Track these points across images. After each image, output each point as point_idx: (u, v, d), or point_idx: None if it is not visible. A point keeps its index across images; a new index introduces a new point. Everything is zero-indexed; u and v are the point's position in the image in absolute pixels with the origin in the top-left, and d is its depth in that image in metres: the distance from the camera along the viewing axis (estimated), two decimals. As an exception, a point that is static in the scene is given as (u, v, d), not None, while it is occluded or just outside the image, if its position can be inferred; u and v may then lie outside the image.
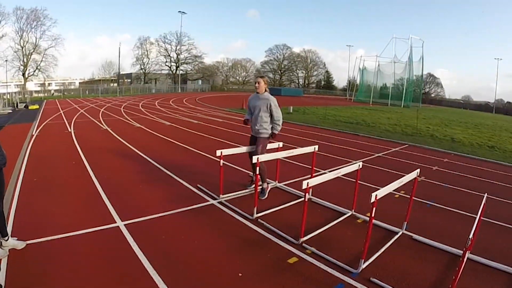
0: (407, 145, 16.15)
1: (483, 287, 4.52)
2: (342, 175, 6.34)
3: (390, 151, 14.32)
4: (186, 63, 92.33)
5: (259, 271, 4.45)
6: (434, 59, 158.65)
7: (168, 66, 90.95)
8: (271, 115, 7.14)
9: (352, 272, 4.55)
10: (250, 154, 6.92)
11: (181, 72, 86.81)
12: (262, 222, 5.92)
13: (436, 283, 4.46)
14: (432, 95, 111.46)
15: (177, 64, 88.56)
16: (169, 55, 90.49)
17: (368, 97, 66.10)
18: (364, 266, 4.67)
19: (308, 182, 4.87)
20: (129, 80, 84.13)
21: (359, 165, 6.32)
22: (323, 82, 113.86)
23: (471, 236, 3.56)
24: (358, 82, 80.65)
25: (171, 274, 4.20)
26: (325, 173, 6.47)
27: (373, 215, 4.41)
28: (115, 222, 5.54)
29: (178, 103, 34.39)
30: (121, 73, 79.44)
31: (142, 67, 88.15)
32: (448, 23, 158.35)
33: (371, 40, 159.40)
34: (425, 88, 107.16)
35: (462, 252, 5.03)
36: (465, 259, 3.83)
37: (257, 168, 6.07)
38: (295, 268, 4.59)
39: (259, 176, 6.36)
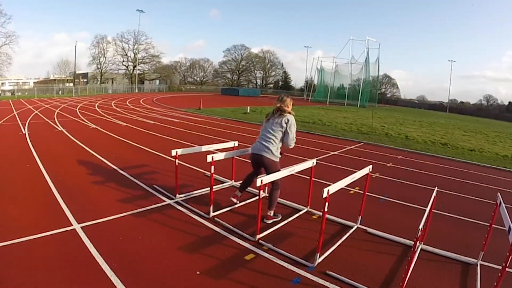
0: (362, 143, 16.50)
1: (437, 275, 4.72)
2: (298, 173, 6.44)
3: (345, 149, 14.61)
4: (144, 63, 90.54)
5: (217, 269, 4.46)
6: (390, 61, 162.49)
7: (125, 65, 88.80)
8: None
9: (308, 266, 4.63)
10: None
11: (138, 72, 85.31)
12: (219, 220, 5.93)
13: (390, 273, 4.61)
14: (388, 95, 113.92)
15: (134, 64, 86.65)
16: (126, 55, 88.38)
17: (325, 97, 66.94)
18: (320, 260, 4.75)
19: (262, 180, 4.91)
20: (85, 80, 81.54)
21: (313, 163, 6.42)
22: (281, 83, 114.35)
23: (421, 227, 3.67)
24: (315, 82, 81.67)
25: (129, 274, 4.16)
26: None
27: (326, 210, 4.47)
28: (72, 225, 5.42)
29: (135, 104, 33.96)
30: (77, 72, 77.24)
31: (99, 66, 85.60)
32: (404, 25, 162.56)
33: (330, 41, 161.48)
34: (381, 88, 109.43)
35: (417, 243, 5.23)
36: (417, 249, 3.95)
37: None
38: (252, 265, 4.62)
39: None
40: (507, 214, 4.06)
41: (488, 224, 5.08)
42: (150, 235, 5.28)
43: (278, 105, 6.10)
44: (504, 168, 13.50)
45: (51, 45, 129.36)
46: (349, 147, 15.07)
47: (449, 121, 42.93)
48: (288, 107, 6.11)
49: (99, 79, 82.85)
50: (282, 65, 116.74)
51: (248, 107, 30.19)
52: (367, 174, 5.94)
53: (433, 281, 4.58)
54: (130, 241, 5.04)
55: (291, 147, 6.00)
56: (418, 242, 3.77)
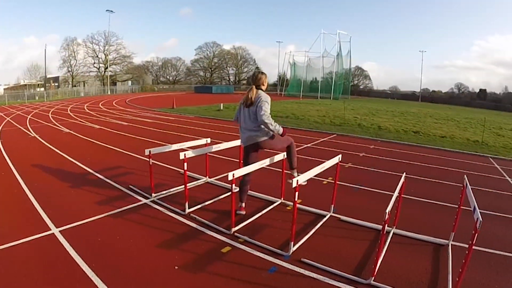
0: (335, 135, 16.76)
1: (410, 257, 4.93)
2: (270, 166, 6.53)
3: (318, 141, 14.85)
4: (115, 64, 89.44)
5: (194, 263, 4.55)
6: (362, 53, 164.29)
7: (96, 67, 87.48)
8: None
9: (284, 255, 4.77)
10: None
11: (110, 73, 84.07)
12: (195, 216, 6.02)
13: (364, 257, 4.79)
14: (361, 87, 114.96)
15: (106, 65, 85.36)
16: (97, 56, 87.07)
17: (298, 91, 67.24)
18: (294, 248, 4.91)
19: (234, 174, 5.03)
20: (56, 84, 79.69)
21: (283, 155, 6.54)
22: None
23: (388, 210, 3.82)
24: (288, 77, 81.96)
25: (109, 273, 4.22)
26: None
27: (296, 199, 4.60)
28: (50, 230, 5.43)
29: (108, 106, 33.65)
30: (48, 76, 75.58)
31: (70, 69, 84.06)
32: (374, 18, 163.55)
33: (302, 35, 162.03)
34: (354, 80, 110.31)
35: (389, 228, 5.43)
36: (388, 233, 4.08)
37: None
38: (229, 257, 4.74)
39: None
40: (472, 195, 4.29)
41: (457, 206, 5.28)
42: (128, 234, 5.34)
43: (253, 87, 6.08)
44: (475, 153, 13.92)
45: (21, 50, 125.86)
46: (322, 139, 15.31)
47: (421, 109, 43.62)
48: (263, 85, 6.19)
49: (70, 83, 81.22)
50: (255, 61, 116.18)
51: (221, 104, 30.24)
52: (337, 163, 6.09)
53: (406, 262, 4.78)
54: (108, 242, 5.09)
55: (267, 123, 5.83)
56: (386, 225, 3.91)
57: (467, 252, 3.71)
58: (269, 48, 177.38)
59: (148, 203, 6.65)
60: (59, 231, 5.37)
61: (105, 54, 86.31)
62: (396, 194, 4.57)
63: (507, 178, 10.24)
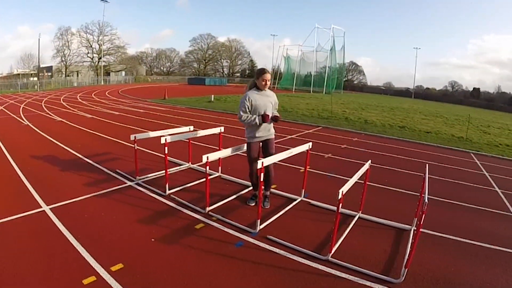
0: (320, 127, 17.25)
1: (371, 239, 5.43)
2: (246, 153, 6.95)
3: (303, 133, 15.35)
4: (109, 54, 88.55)
5: (170, 236, 5.03)
6: (357, 48, 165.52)
7: (90, 57, 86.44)
8: None
9: (251, 232, 5.26)
10: (256, 159, 6.14)
11: (103, 63, 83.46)
12: (174, 197, 6.49)
13: (327, 237, 5.24)
14: (355, 82, 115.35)
15: (100, 56, 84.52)
16: (91, 46, 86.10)
17: (292, 84, 67.46)
18: (261, 227, 5.40)
19: (208, 156, 5.52)
20: (49, 74, 78.48)
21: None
22: (247, 71, 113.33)
23: (342, 190, 4.30)
24: (282, 70, 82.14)
25: (93, 244, 4.66)
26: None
27: (261, 180, 5.10)
28: (41, 207, 5.83)
29: (101, 96, 33.79)
30: (41, 66, 74.25)
31: (63, 59, 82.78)
32: (371, 13, 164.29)
33: (297, 29, 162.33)
34: (348, 75, 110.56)
35: (354, 213, 5.92)
36: (339, 211, 4.54)
37: (261, 174, 5.24)
38: (201, 232, 5.22)
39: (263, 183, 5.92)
40: (426, 184, 4.80)
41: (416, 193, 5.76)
42: (112, 211, 5.79)
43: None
44: (457, 148, 14.48)
45: (14, 39, 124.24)
46: (307, 131, 15.80)
47: (412, 106, 44.15)
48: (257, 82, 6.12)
49: (64, 72, 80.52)
50: (249, 54, 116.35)
51: (212, 96, 30.59)
52: (307, 150, 6.55)
53: (367, 244, 5.26)
54: (94, 218, 5.52)
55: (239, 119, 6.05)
56: (340, 205, 4.39)
57: (415, 233, 4.18)
58: (264, 41, 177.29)
59: (132, 185, 7.08)
60: (50, 209, 5.78)
61: (99, 44, 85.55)
62: (355, 178, 5.04)
63: (485, 172, 10.76)
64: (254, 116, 5.89)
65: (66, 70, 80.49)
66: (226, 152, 6.21)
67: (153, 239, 4.90)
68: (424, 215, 4.00)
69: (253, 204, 6.31)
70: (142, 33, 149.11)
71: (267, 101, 6.03)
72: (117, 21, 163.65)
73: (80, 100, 27.92)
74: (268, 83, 5.98)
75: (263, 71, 6.01)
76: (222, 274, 4.17)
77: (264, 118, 5.87)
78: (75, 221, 5.36)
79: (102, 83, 69.12)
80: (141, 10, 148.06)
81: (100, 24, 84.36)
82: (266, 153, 6.18)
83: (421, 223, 4.05)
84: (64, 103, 25.28)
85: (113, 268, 4.12)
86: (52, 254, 4.41)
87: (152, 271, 4.13)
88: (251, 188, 6.94)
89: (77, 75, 78.42)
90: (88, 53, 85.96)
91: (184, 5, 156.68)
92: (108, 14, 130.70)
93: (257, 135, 6.06)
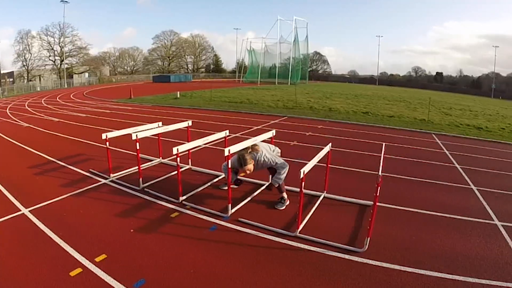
0: (286, 117, 17.71)
1: (336, 216, 5.95)
2: (215, 146, 7.27)
3: (269, 123, 15.79)
4: (71, 56, 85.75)
5: (147, 226, 5.35)
6: (320, 39, 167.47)
7: (52, 60, 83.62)
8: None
9: (223, 217, 5.66)
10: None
11: (66, 66, 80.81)
12: (148, 190, 6.79)
13: (295, 216, 5.61)
14: (320, 71, 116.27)
15: (62, 58, 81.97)
16: (52, 49, 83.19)
17: (257, 77, 67.62)
18: (233, 211, 5.82)
19: (178, 148, 5.87)
20: (11, 79, 75.85)
21: (225, 133, 7.37)
22: (212, 66, 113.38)
23: (302, 170, 4.69)
24: (246, 63, 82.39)
25: (76, 239, 4.93)
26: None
27: (230, 166, 5.54)
28: (20, 210, 5.99)
29: (66, 99, 33.22)
30: (2, 72, 72.40)
31: (25, 63, 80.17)
32: (331, 3, 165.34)
33: (260, 22, 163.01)
34: (312, 65, 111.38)
35: (320, 193, 6.34)
36: (303, 190, 4.97)
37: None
38: (177, 220, 5.59)
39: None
40: (381, 162, 5.30)
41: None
42: (90, 208, 6.04)
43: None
44: (419, 130, 15.24)
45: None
46: (273, 121, 16.27)
47: (376, 92, 45.01)
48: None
49: (26, 77, 78.01)
50: (213, 48, 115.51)
51: (178, 93, 30.60)
52: (271, 137, 6.95)
53: (333, 220, 5.77)
54: (73, 215, 5.77)
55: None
56: (303, 184, 4.78)
57: (371, 210, 4.63)
58: (228, 35, 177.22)
59: (107, 183, 7.33)
60: (29, 211, 5.96)
61: (60, 46, 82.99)
62: (316, 160, 5.45)
63: (445, 151, 11.41)
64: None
65: (28, 74, 78.00)
66: (194, 144, 6.56)
67: (132, 230, 5.20)
68: (379, 187, 4.43)
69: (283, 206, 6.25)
70: (104, 33, 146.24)
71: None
72: (78, 22, 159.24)
73: (45, 105, 27.56)
74: (250, 172, 6.03)
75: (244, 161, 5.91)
76: (199, 256, 4.52)
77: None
78: (55, 220, 5.58)
79: (66, 86, 67.18)
80: (102, 9, 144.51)
81: (61, 25, 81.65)
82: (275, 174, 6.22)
83: (377, 194, 4.49)
84: (29, 109, 24.97)
85: (97, 259, 4.40)
86: (37, 252, 4.63)
87: (134, 259, 4.44)
88: (222, 176, 7.45)
89: (40, 79, 76.11)
90: (49, 56, 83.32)
91: (146, 3, 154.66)
92: (68, 15, 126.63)
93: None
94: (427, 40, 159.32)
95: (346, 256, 4.59)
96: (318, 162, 5.74)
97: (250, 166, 5.91)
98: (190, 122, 8.52)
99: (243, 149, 6.00)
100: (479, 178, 8.51)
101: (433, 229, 5.57)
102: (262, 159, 6.02)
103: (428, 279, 4.19)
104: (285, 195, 6.33)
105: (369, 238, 4.81)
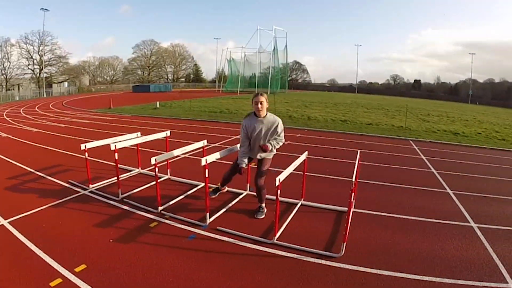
0: (265, 127, 17.72)
1: (313, 223, 6.10)
2: (194, 155, 7.34)
3: (248, 133, 15.68)
4: (50, 65, 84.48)
5: (126, 236, 5.40)
6: (300, 48, 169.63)
7: (31, 69, 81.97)
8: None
9: (202, 226, 5.75)
10: (235, 170, 6.47)
11: (45, 75, 79.39)
12: (127, 200, 6.85)
13: (272, 224, 5.62)
14: (299, 80, 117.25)
15: (41, 67, 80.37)
16: (31, 57, 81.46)
17: (237, 87, 67.76)
18: (211, 220, 5.91)
19: (156, 158, 5.97)
20: None
21: (203, 143, 7.47)
22: (192, 76, 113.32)
23: (277, 179, 4.84)
24: (226, 73, 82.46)
25: (55, 250, 4.94)
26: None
27: (206, 175, 5.62)
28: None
29: (45, 109, 32.87)
30: None
31: (3, 72, 77.97)
32: (310, 13, 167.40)
33: (241, 32, 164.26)
34: (292, 74, 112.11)
35: (297, 201, 6.48)
36: (279, 198, 5.10)
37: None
38: (156, 229, 5.65)
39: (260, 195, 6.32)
40: (355, 169, 5.58)
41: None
42: (69, 219, 6.05)
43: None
44: (397, 137, 15.60)
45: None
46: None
47: (355, 100, 45.63)
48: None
49: (4, 86, 76.19)
50: (193, 58, 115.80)
51: (158, 102, 30.70)
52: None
53: (310, 226, 5.92)
54: (52, 226, 5.77)
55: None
56: (279, 191, 4.90)
57: (347, 216, 4.77)
58: (208, 45, 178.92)
59: (86, 194, 7.34)
60: (8, 222, 5.94)
61: (40, 55, 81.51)
62: (292, 168, 5.59)
63: (422, 156, 11.80)
64: (238, 158, 6.27)
65: (6, 83, 76.58)
66: (172, 154, 6.68)
67: (111, 240, 5.25)
68: (353, 193, 4.58)
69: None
70: (83, 42, 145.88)
71: (259, 128, 6.03)
72: (58, 30, 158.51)
73: (24, 115, 27.28)
74: (262, 105, 5.93)
75: (255, 94, 6.04)
76: (178, 265, 4.60)
77: (239, 170, 6.27)
78: (35, 231, 5.58)
79: (45, 95, 66.15)
80: (82, 18, 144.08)
81: (41, 33, 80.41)
82: (258, 171, 6.35)
83: (351, 200, 4.65)
84: (7, 119, 24.69)
85: (77, 269, 4.44)
86: (17, 263, 4.64)
87: (113, 268, 4.49)
88: (201, 186, 7.54)
89: (19, 88, 74.84)
90: (29, 64, 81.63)
91: (127, 12, 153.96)
92: (48, 23, 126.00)
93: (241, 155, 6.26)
94: (405, 48, 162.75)
95: (323, 262, 4.72)
96: (295, 170, 5.86)
97: (263, 99, 5.95)
98: (168, 132, 8.61)
99: None
100: (455, 182, 8.83)
101: (409, 233, 5.75)
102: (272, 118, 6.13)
103: (405, 281, 4.33)
104: (263, 204, 6.39)
105: (345, 243, 4.96)
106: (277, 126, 6.09)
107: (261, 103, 5.90)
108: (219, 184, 7.06)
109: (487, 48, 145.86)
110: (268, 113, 6.12)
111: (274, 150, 6.31)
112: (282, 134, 6.22)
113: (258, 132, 6.05)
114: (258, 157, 6.37)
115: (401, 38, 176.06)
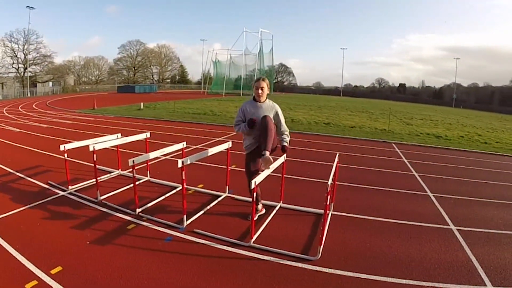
0: (248, 129, 17.76)
1: (291, 225, 6.12)
2: (173, 157, 7.34)
3: (230, 135, 15.96)
4: (35, 64, 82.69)
5: (103, 238, 5.40)
6: (286, 51, 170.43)
7: (15, 68, 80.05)
8: (277, 126, 6.09)
9: (179, 228, 5.77)
10: (253, 172, 6.24)
11: (30, 74, 77.48)
12: (106, 202, 6.83)
13: (249, 227, 5.66)
14: (285, 83, 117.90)
15: (25, 66, 78.40)
16: (16, 56, 79.78)
17: (222, 89, 67.75)
18: (188, 222, 5.94)
19: (133, 160, 5.96)
20: None
21: (183, 144, 7.51)
22: (177, 77, 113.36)
23: (253, 181, 4.88)
24: (212, 75, 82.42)
25: (32, 252, 4.91)
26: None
27: (183, 177, 5.67)
28: None
29: (28, 109, 32.50)
30: None
31: None
32: (296, 16, 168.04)
33: (227, 34, 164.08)
34: (278, 77, 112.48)
35: (276, 203, 6.65)
36: (255, 200, 5.14)
37: (255, 193, 5.16)
38: (133, 231, 5.65)
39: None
40: (332, 171, 5.65)
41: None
42: (47, 221, 6.03)
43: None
44: (379, 140, 15.77)
45: None
46: (234, 133, 16.29)
47: (340, 103, 46.02)
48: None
49: None
50: (179, 59, 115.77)
51: (142, 103, 30.63)
52: (227, 149, 7.25)
53: (288, 229, 5.95)
54: (30, 228, 5.74)
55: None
56: (255, 193, 4.93)
57: (323, 219, 4.81)
58: (194, 46, 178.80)
59: (65, 195, 7.31)
60: (-15, 224, 5.91)
61: (24, 54, 79.91)
62: (269, 170, 5.56)
63: (404, 159, 11.96)
64: (243, 123, 5.95)
65: (-10, 82, 75.48)
66: (151, 156, 6.63)
67: (88, 242, 5.24)
68: (328, 196, 4.64)
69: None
70: (69, 41, 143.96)
71: (260, 112, 5.88)
72: (43, 29, 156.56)
73: (6, 114, 26.98)
74: (262, 91, 5.89)
75: (257, 79, 6.03)
76: (154, 267, 4.62)
77: (249, 123, 5.80)
78: (12, 233, 5.55)
79: (29, 95, 65.37)
80: (68, 17, 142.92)
81: (26, 32, 78.82)
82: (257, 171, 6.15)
83: (327, 203, 4.70)
84: (-11, 118, 24.55)
85: (53, 271, 4.42)
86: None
87: (89, 270, 4.49)
88: (179, 188, 7.51)
89: (2, 87, 73.73)
90: (13, 63, 79.97)
91: (114, 12, 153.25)
92: (33, 21, 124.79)
93: (247, 143, 6.15)
94: (390, 52, 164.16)
95: (299, 265, 4.76)
96: (274, 172, 5.88)
97: (264, 84, 5.92)
98: (148, 134, 8.61)
99: None
100: (435, 185, 8.98)
101: (387, 236, 5.83)
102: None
103: (382, 284, 4.38)
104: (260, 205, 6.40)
105: (321, 246, 5.02)
106: (277, 113, 6.04)
107: (261, 89, 5.88)
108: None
109: (471, 54, 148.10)
110: (267, 99, 6.08)
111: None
112: (285, 124, 6.23)
113: (257, 117, 5.85)
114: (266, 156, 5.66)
115: (387, 42, 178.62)
